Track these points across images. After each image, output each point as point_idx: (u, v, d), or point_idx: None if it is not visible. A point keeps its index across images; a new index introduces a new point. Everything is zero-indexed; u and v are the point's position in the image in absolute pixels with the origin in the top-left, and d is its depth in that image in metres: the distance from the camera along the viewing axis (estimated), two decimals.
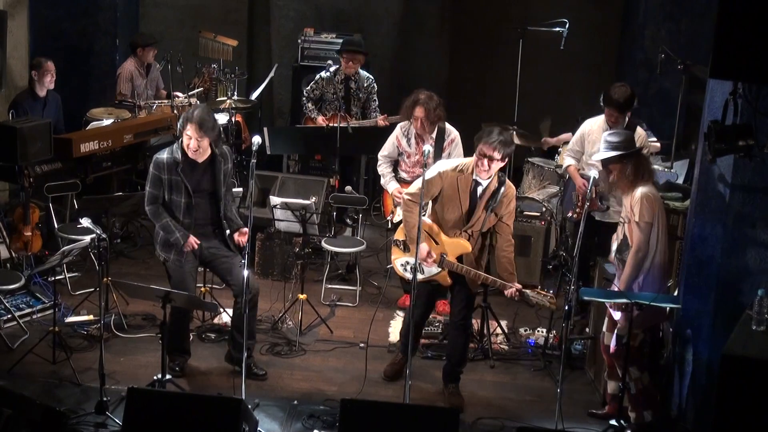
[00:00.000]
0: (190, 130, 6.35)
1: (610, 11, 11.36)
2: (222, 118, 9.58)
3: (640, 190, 6.03)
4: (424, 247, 6.27)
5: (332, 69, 9.07)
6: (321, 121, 9.15)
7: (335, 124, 8.62)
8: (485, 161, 6.15)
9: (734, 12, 4.88)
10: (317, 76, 9.23)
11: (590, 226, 7.36)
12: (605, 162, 6.18)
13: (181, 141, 6.46)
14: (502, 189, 6.30)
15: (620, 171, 6.10)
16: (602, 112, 7.41)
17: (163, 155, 6.50)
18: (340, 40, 9.84)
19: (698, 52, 8.49)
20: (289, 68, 10.73)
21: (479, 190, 6.29)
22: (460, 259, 6.37)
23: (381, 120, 9.03)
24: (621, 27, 11.33)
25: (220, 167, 6.57)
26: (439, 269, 6.37)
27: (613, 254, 6.27)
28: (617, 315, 6.05)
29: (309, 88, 9.29)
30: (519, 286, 6.30)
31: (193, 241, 6.51)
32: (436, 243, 6.36)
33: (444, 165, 6.44)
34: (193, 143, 6.37)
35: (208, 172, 6.56)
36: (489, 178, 6.26)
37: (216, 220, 6.66)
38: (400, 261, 6.52)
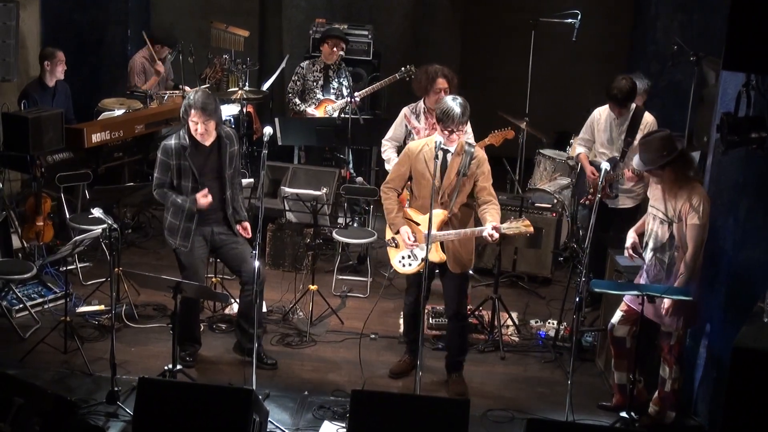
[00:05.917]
0: (195, 116, 6.39)
1: (623, 2, 11.33)
2: (233, 109, 9.59)
3: (699, 191, 5.83)
4: (404, 229, 6.33)
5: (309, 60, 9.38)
6: (312, 111, 9.25)
7: (345, 115, 8.61)
8: (453, 135, 6.21)
9: (747, 3, 4.86)
10: (297, 68, 9.42)
11: (603, 216, 7.35)
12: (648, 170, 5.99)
13: (187, 126, 6.47)
14: (473, 152, 6.30)
15: (663, 177, 5.90)
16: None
17: (171, 141, 6.52)
18: (353, 31, 9.83)
19: (710, 44, 8.44)
20: (300, 59, 10.66)
21: (448, 156, 6.29)
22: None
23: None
24: (633, 18, 11.29)
25: (226, 149, 6.59)
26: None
27: (649, 252, 6.08)
28: (667, 319, 5.95)
29: (291, 83, 9.42)
30: (494, 224, 6.17)
31: (201, 196, 6.47)
32: (417, 225, 6.39)
33: (410, 144, 6.55)
34: (200, 127, 6.41)
35: (214, 154, 6.57)
36: (454, 144, 6.30)
37: (223, 205, 6.66)
38: (396, 259, 6.48)
